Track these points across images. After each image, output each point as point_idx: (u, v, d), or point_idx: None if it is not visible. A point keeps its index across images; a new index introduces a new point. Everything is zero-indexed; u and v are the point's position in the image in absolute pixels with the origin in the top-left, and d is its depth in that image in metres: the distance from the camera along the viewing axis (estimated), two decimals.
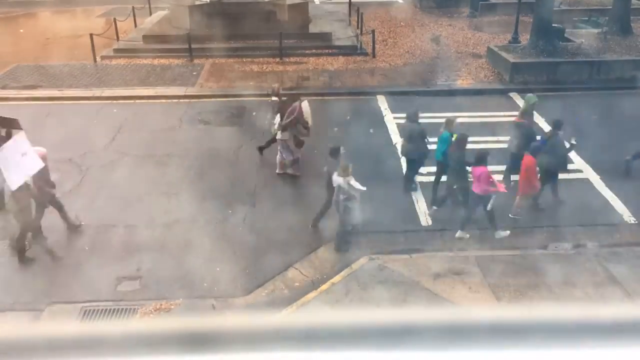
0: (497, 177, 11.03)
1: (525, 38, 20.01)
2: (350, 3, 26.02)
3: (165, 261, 9.78)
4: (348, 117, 15.36)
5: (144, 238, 10.25)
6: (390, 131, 14.51)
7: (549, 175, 10.91)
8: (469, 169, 10.25)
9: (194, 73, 18.84)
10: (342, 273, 9.49)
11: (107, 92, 17.29)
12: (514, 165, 11.31)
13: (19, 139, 8.73)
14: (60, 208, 10.20)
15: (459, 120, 11.69)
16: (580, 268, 9.50)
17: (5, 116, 9.77)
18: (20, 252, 9.57)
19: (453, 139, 10.59)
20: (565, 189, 11.38)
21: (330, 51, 20.70)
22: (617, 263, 9.62)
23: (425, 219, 10.82)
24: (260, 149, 13.03)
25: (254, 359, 0.95)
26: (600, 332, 0.96)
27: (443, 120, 11.23)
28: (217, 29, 20.10)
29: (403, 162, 12.11)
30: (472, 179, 10.10)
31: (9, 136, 9.23)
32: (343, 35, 22.02)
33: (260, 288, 9.19)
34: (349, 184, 9.41)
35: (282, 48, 19.99)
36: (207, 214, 11.02)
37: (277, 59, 19.97)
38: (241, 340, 0.97)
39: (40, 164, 8.91)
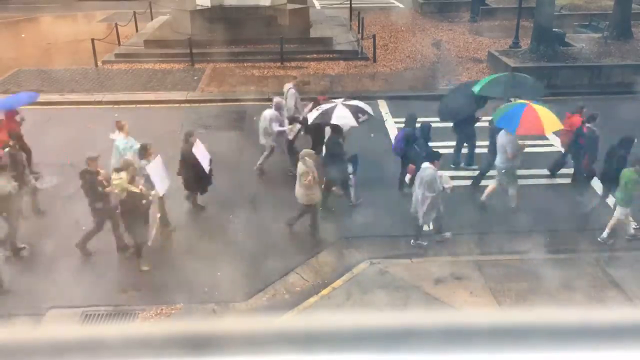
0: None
1: (525, 43, 20.05)
2: (351, 8, 26.10)
3: (166, 265, 9.77)
4: None
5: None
6: (390, 136, 14.50)
7: None
8: None
9: (195, 78, 18.87)
10: (343, 277, 9.49)
11: (109, 97, 17.32)
12: None
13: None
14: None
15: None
16: (581, 272, 9.48)
17: None
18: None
19: None
20: (567, 193, 11.36)
21: (331, 56, 20.74)
22: (618, 267, 9.60)
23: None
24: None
25: None
26: (600, 336, 0.96)
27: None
28: (218, 33, 20.14)
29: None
30: None
31: None
32: (344, 40, 22.07)
33: (261, 292, 9.18)
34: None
35: (283, 53, 20.03)
36: (208, 218, 11.02)
37: (278, 64, 20.01)
38: (241, 343, 0.98)
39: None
